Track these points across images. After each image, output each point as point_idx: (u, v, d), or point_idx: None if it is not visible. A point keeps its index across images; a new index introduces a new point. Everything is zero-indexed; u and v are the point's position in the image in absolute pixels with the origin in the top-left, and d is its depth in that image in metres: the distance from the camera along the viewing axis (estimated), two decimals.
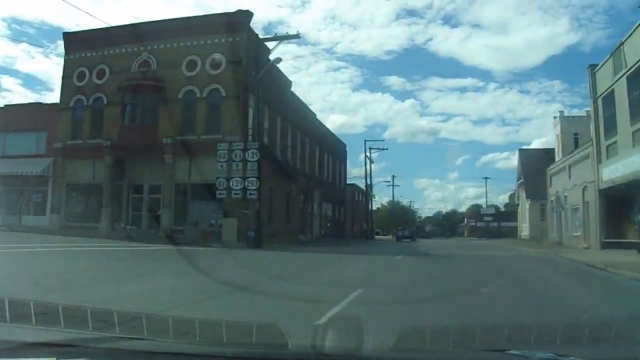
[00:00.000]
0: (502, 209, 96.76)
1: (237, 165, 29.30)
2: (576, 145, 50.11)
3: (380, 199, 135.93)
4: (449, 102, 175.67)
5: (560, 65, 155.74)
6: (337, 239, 52.03)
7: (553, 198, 38.61)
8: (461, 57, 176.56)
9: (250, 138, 31.59)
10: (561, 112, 53.19)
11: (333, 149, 60.36)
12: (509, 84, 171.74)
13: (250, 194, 28.83)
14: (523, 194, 58.72)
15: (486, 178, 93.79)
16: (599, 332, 3.99)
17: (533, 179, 55.46)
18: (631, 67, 24.30)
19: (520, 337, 3.75)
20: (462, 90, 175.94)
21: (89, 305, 3.76)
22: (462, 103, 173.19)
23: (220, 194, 29.62)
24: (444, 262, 19.20)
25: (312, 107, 59.32)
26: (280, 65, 37.50)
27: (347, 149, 66.37)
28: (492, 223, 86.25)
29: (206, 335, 3.54)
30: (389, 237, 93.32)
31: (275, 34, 31.92)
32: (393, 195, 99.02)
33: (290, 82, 44.77)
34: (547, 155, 56.96)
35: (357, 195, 72.73)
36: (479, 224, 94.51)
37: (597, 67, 29.19)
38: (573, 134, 51.49)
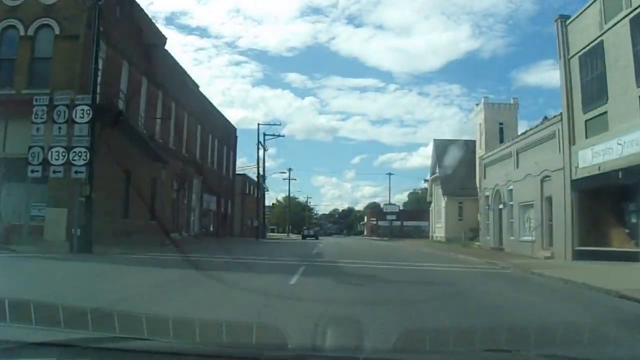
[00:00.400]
0: (402, 208, 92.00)
1: (59, 129, 19.32)
2: (501, 136, 44.02)
3: (276, 195, 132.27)
4: (348, 101, 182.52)
5: (460, 70, 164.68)
6: (221, 238, 42.70)
7: (489, 193, 31.23)
8: (363, 58, 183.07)
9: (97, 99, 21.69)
10: (486, 97, 46.81)
11: (221, 131, 50.63)
12: (409, 85, 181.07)
13: (77, 173, 18.87)
14: (438, 190, 51.84)
15: (390, 174, 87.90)
16: None
17: (451, 173, 49.02)
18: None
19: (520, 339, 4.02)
20: (363, 90, 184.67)
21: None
22: (361, 103, 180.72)
23: (33, 171, 19.88)
24: (374, 294, 10.34)
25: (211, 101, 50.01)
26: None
27: (245, 143, 56.32)
28: (395, 222, 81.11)
29: (206, 335, 3.69)
30: (284, 235, 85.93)
31: None
32: (289, 190, 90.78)
33: (164, 38, 34.89)
34: (466, 146, 50.83)
35: (248, 188, 63.44)
36: (380, 223, 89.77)
37: (572, 18, 21.72)
38: (498, 123, 45.56)
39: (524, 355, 2.66)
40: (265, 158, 58.96)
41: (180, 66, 38.51)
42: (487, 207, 31.17)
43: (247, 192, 63.34)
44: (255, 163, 57.76)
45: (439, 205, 51.59)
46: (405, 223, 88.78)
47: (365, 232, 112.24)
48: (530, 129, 25.87)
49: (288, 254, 23.24)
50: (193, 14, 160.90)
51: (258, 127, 55.51)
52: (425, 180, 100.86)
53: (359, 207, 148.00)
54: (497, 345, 3.48)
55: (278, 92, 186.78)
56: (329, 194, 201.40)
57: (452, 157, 49.44)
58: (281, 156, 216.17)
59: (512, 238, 27.06)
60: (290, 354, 2.84)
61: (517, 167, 26.76)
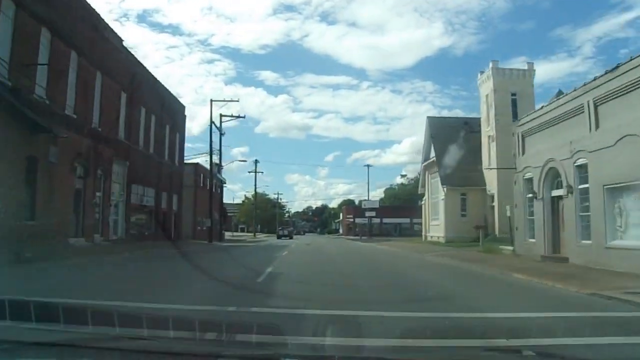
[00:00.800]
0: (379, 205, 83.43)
1: None
2: (514, 109, 34.51)
3: (245, 192, 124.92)
4: (322, 98, 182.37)
5: (433, 67, 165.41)
6: (158, 242, 32.08)
7: (532, 174, 20.92)
8: (336, 55, 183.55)
9: None
10: (495, 61, 36.81)
11: (161, 107, 39.80)
12: (382, 83, 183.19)
13: None
14: (435, 179, 41.60)
15: (368, 165, 78.16)
16: None
17: (451, 158, 39.23)
18: None
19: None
20: (336, 87, 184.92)
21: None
22: (334, 100, 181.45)
23: None
24: None
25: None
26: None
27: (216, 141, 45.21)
28: (375, 219, 72.21)
29: (206, 335, 3.58)
30: (251, 234, 76.58)
31: None
32: (255, 184, 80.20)
33: None
34: (467, 125, 41.14)
35: (203, 180, 52.82)
36: (358, 220, 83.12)
37: None
38: (510, 93, 35.85)
39: (523, 355, 2.59)
40: (237, 156, 48.96)
41: (90, 5, 27.61)
42: (530, 195, 20.96)
43: (201, 184, 52.69)
44: (225, 162, 46.69)
45: (436, 197, 41.34)
46: (384, 220, 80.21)
47: (341, 231, 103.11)
48: (626, 63, 15.63)
49: (215, 281, 12.55)
50: (165, 12, 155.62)
51: (211, 103, 44.66)
52: (402, 176, 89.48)
53: (333, 204, 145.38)
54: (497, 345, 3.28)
55: (251, 90, 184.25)
56: (302, 192, 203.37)
57: (453, 137, 39.55)
58: (254, 154, 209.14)
59: (588, 242, 16.71)
60: (291, 354, 2.84)
61: (597, 127, 16.53)
